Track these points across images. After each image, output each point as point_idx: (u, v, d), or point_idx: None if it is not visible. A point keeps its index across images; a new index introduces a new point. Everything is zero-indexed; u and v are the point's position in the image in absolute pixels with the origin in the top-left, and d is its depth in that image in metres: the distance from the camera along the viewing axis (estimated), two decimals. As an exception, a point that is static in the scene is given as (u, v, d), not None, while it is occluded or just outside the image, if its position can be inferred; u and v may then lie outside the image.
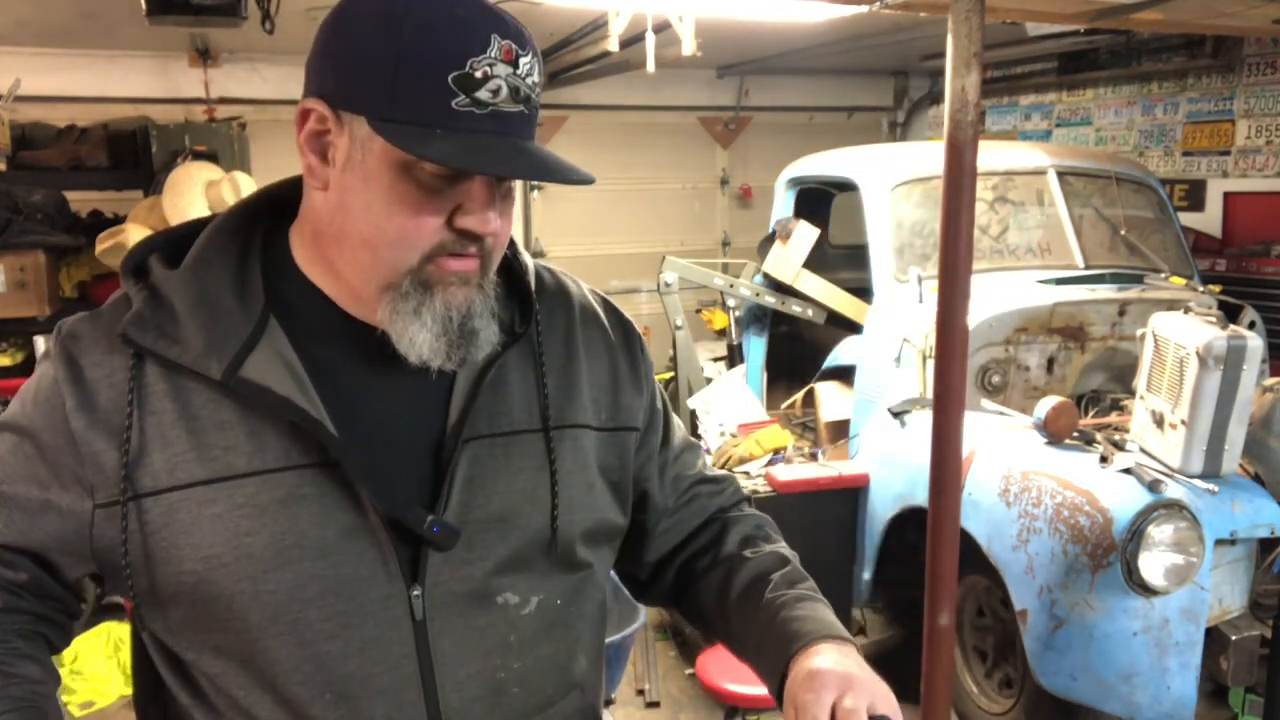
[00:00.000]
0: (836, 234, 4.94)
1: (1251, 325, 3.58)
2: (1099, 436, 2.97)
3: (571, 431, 1.05)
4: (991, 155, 3.79)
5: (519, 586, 1.00)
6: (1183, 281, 3.76)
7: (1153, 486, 2.62)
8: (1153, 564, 2.56)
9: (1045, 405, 2.93)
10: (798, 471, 3.55)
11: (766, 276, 4.45)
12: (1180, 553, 2.57)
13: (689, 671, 3.64)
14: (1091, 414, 3.39)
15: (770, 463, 3.72)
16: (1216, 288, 4.09)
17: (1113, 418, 3.29)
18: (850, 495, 3.53)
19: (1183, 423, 2.71)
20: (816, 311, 4.32)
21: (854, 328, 3.95)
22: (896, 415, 3.42)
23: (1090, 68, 5.81)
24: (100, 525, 0.92)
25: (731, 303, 4.68)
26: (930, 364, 3.03)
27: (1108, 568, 2.59)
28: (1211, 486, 2.67)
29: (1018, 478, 2.85)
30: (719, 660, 2.87)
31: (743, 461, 3.75)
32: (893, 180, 3.82)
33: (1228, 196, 5.15)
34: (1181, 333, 2.75)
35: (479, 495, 0.98)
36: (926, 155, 3.92)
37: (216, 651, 0.94)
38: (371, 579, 0.94)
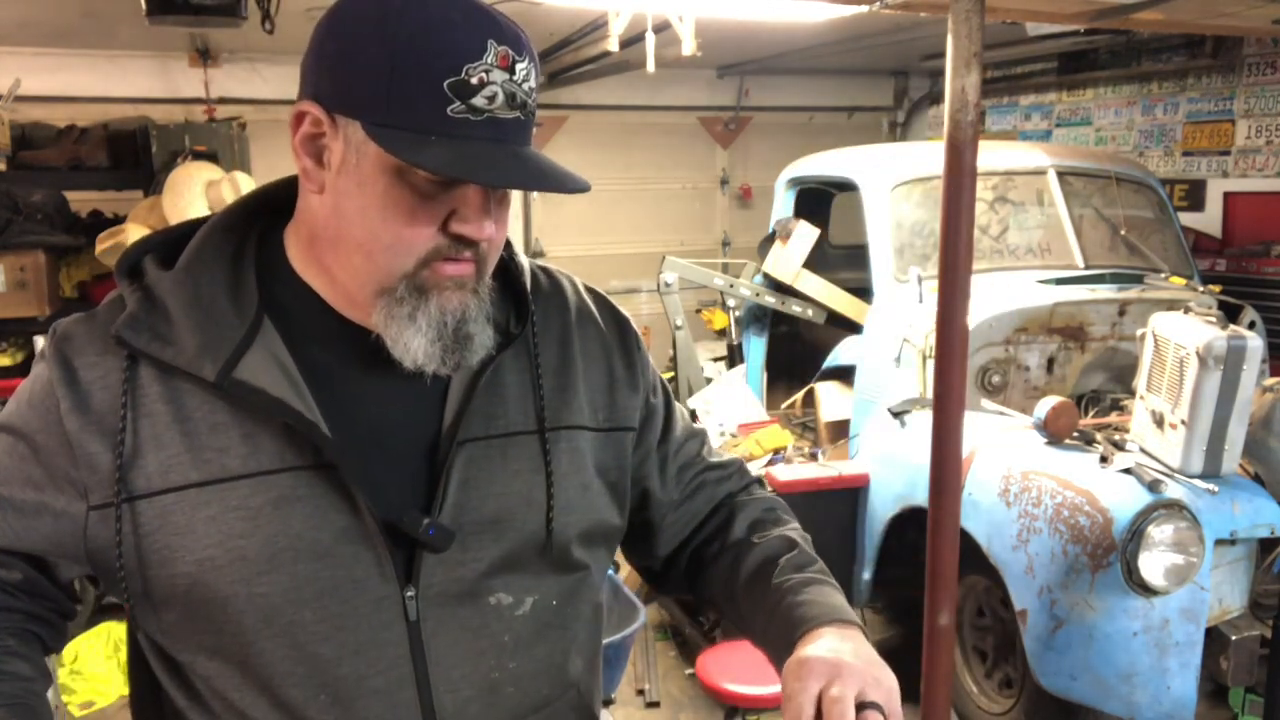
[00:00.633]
0: (836, 234, 4.94)
1: (1251, 325, 3.59)
2: (1099, 436, 2.97)
3: (568, 433, 1.04)
4: (991, 155, 3.79)
5: (513, 587, 1.00)
6: (1183, 281, 3.76)
7: (1153, 486, 2.62)
8: (1153, 564, 2.56)
9: (1045, 405, 2.93)
10: (798, 471, 3.55)
11: (766, 276, 4.45)
12: (1180, 553, 2.57)
13: (689, 671, 3.64)
14: (1091, 414, 3.39)
15: (770, 463, 3.72)
16: (1216, 288, 4.10)
17: (1113, 418, 3.29)
18: (850, 495, 3.53)
19: (1183, 423, 2.71)
20: (816, 311, 4.32)
21: (854, 328, 3.95)
22: (896, 415, 3.42)
23: (1090, 68, 5.81)
24: (94, 527, 0.92)
25: (731, 303, 4.69)
26: (930, 364, 3.03)
27: (1108, 568, 2.59)
28: (1211, 486, 2.67)
29: (1018, 478, 2.85)
30: (719, 660, 2.87)
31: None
32: (893, 180, 3.82)
33: (1228, 196, 5.15)
34: (1181, 333, 2.75)
35: (474, 497, 0.97)
36: (926, 155, 3.92)
37: (211, 653, 0.94)
38: (366, 581, 0.93)
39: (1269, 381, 2.95)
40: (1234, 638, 2.68)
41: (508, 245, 1.05)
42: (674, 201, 7.04)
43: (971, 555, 2.83)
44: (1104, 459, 2.79)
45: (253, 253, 0.99)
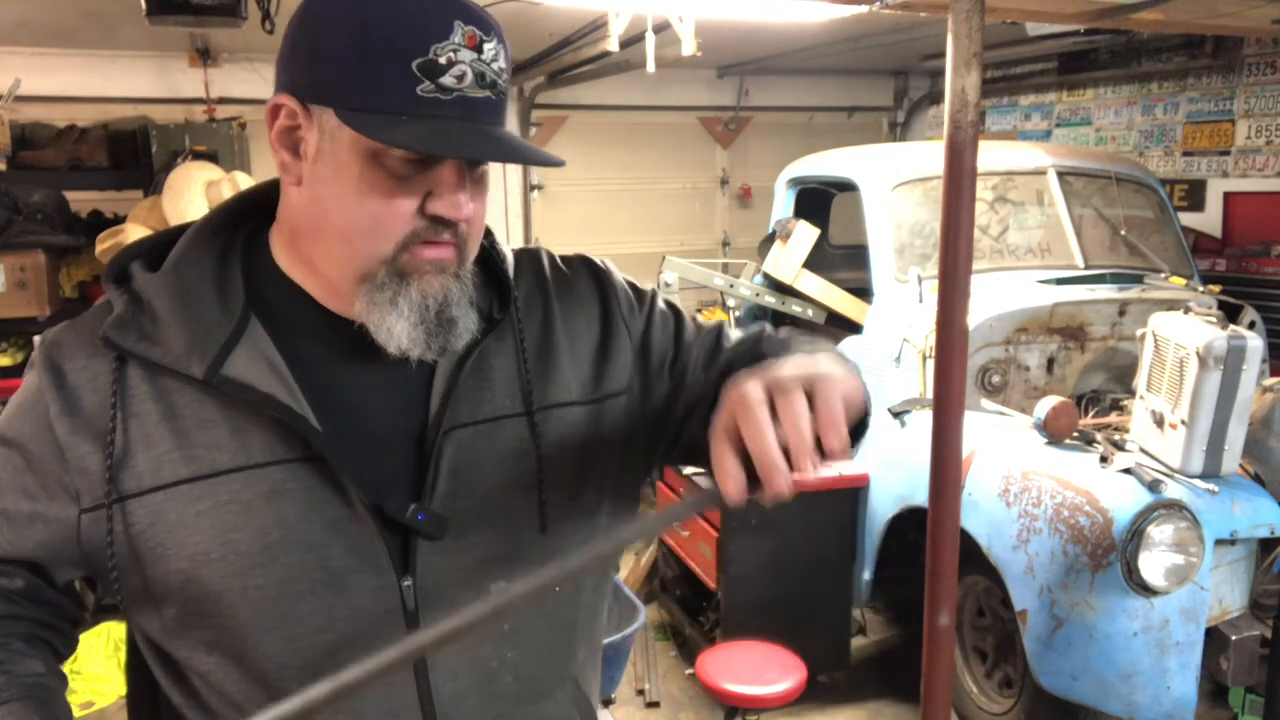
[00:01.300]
0: (836, 234, 4.94)
1: (1251, 325, 3.58)
2: (1099, 436, 2.97)
3: (556, 411, 1.04)
4: (991, 155, 3.79)
5: (512, 575, 0.99)
6: (1183, 281, 3.76)
7: (1153, 486, 2.62)
8: (1153, 564, 2.56)
9: (1045, 405, 2.93)
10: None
11: (766, 276, 4.45)
12: (1180, 553, 2.57)
13: (689, 671, 3.64)
14: (1091, 414, 3.39)
15: (770, 463, 3.71)
16: (1216, 288, 4.09)
17: (1113, 418, 3.29)
18: (850, 495, 3.53)
19: (1183, 423, 2.71)
20: (816, 311, 4.32)
21: (854, 328, 3.95)
22: (896, 415, 3.42)
23: (1090, 68, 5.81)
24: (86, 530, 0.93)
25: (731, 303, 4.68)
26: (930, 364, 3.03)
27: (1108, 568, 2.59)
28: (1211, 486, 2.67)
29: (1018, 478, 2.85)
30: (719, 660, 2.87)
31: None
32: (893, 180, 3.82)
33: (1228, 196, 5.15)
34: (1181, 333, 2.75)
35: (465, 484, 0.98)
36: (926, 155, 3.92)
37: (208, 649, 0.94)
38: (361, 571, 0.94)
39: (1269, 381, 2.95)
40: (1234, 638, 2.68)
41: (489, 234, 1.06)
42: (674, 201, 7.04)
43: (971, 555, 2.83)
44: (1104, 459, 2.79)
45: (239, 253, 0.99)
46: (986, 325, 3.34)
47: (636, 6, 3.50)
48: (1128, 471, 2.70)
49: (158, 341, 0.93)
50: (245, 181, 3.92)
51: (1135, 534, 2.55)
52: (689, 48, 3.65)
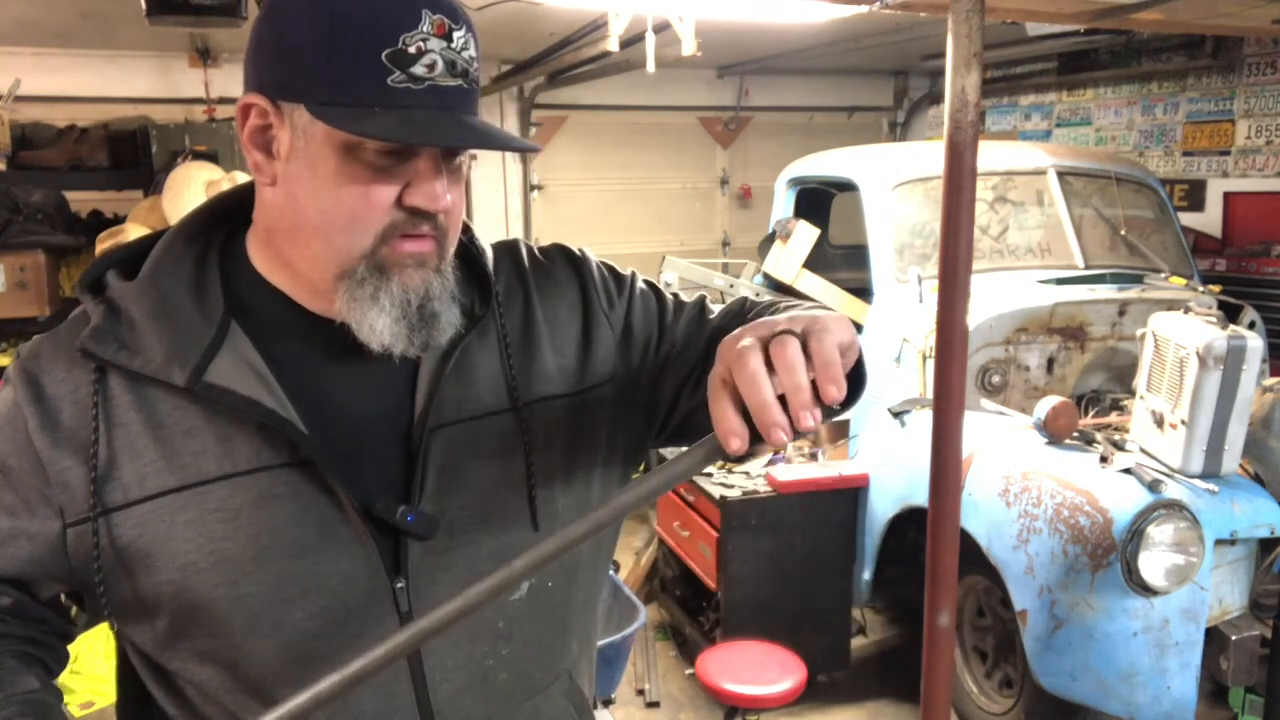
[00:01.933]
0: (836, 234, 4.94)
1: (1251, 325, 3.58)
2: (1099, 436, 2.97)
3: (542, 405, 1.03)
4: (991, 155, 3.79)
5: None
6: (1183, 281, 3.76)
7: (1153, 486, 2.62)
8: (1153, 564, 2.56)
9: (1045, 405, 2.93)
10: (798, 471, 3.55)
11: (766, 276, 4.45)
12: (1180, 553, 2.57)
13: (689, 671, 3.64)
14: (1091, 414, 3.39)
15: (770, 463, 3.72)
16: (1216, 288, 4.09)
17: (1113, 418, 3.29)
18: (850, 495, 3.53)
19: (1183, 423, 2.71)
20: (816, 311, 4.32)
21: (854, 328, 3.95)
22: (896, 415, 3.42)
23: (1090, 68, 5.81)
24: (72, 544, 0.91)
25: (731, 303, 4.68)
26: (930, 364, 3.03)
27: (1108, 568, 2.59)
28: (1211, 486, 2.67)
29: (1018, 478, 2.85)
30: (719, 660, 2.87)
31: (742, 461, 3.75)
32: (893, 180, 3.82)
33: (1228, 196, 5.15)
34: (1181, 333, 2.75)
35: (454, 482, 0.97)
36: (926, 155, 3.92)
37: (201, 659, 0.93)
38: (354, 574, 0.93)
39: (1269, 381, 2.95)
40: (1234, 638, 2.68)
41: (467, 229, 1.05)
42: (674, 201, 7.04)
43: (971, 555, 2.83)
44: (1104, 459, 2.79)
45: (216, 258, 0.98)
46: (986, 325, 3.34)
47: (636, 6, 3.50)
48: (1128, 471, 2.70)
49: (138, 351, 0.92)
50: (245, 181, 3.92)
51: (1135, 534, 2.55)
52: (689, 48, 3.64)
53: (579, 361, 1.08)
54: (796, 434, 0.76)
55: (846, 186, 4.15)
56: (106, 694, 3.54)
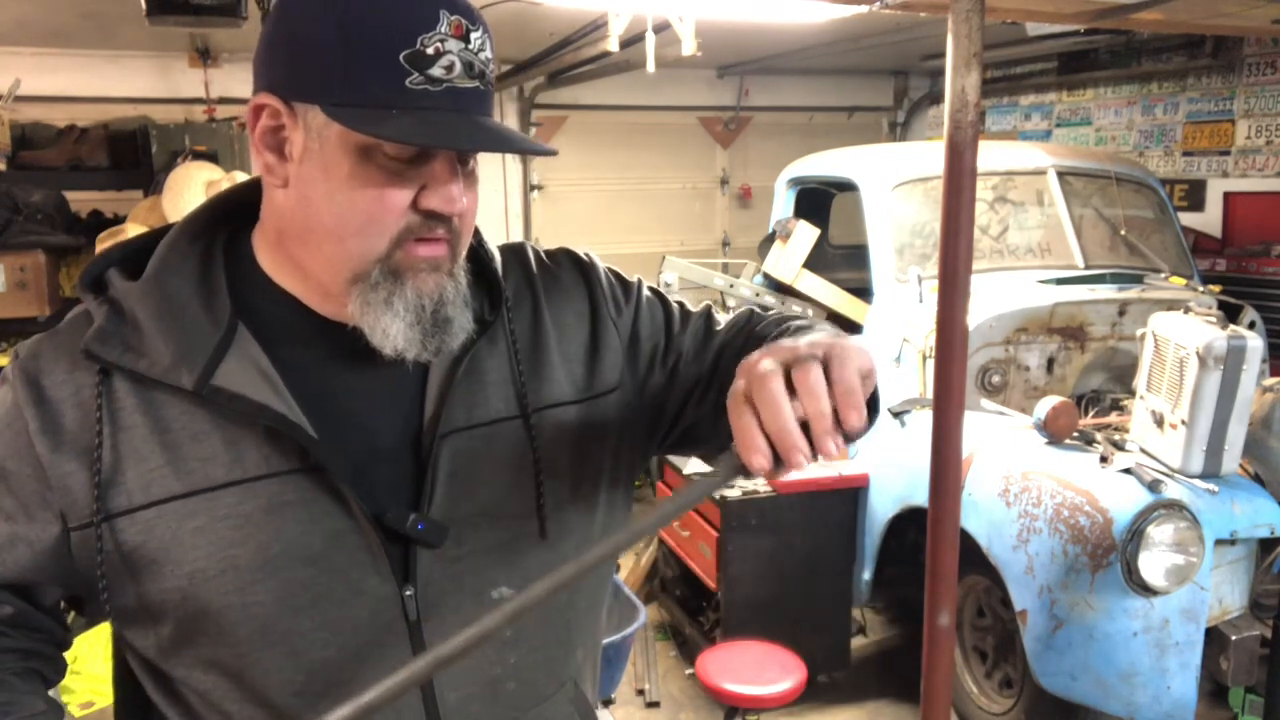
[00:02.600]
0: (836, 234, 4.94)
1: (1251, 325, 3.58)
2: (1099, 436, 2.97)
3: (551, 412, 1.02)
4: (991, 155, 3.79)
5: (514, 580, 0.98)
6: (1183, 281, 3.76)
7: (1153, 486, 2.62)
8: (1153, 564, 2.56)
9: (1045, 405, 2.93)
10: (797, 471, 3.55)
11: (766, 276, 4.45)
12: (1180, 553, 2.57)
13: (689, 671, 3.64)
14: (1091, 414, 3.39)
15: (770, 463, 3.71)
16: (1216, 288, 4.09)
17: (1113, 418, 3.29)
18: (850, 495, 3.53)
19: (1183, 423, 2.71)
20: (816, 311, 4.32)
21: (854, 328, 3.95)
22: (896, 415, 3.42)
23: (1090, 68, 5.81)
24: (75, 549, 0.90)
25: (731, 303, 4.68)
26: (930, 364, 3.03)
27: (1108, 568, 2.59)
28: (1211, 486, 2.67)
29: (1018, 478, 2.85)
30: (719, 660, 2.87)
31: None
32: (893, 180, 3.82)
33: (1228, 196, 5.15)
34: (1181, 333, 2.75)
35: (463, 489, 0.96)
36: (926, 155, 3.92)
37: (207, 667, 0.92)
38: (362, 582, 0.92)
39: (1269, 381, 2.95)
40: (1234, 638, 2.68)
41: (476, 232, 1.04)
42: (674, 201, 7.04)
43: (971, 555, 2.83)
44: (1104, 459, 2.79)
45: (220, 258, 0.97)
46: (986, 325, 3.34)
47: (636, 6, 3.50)
48: (1128, 471, 2.70)
49: (143, 353, 0.90)
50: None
51: (1135, 534, 2.55)
52: (689, 48, 3.64)
53: (586, 368, 1.07)
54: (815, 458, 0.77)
55: (846, 186, 4.15)
56: (106, 694, 3.53)
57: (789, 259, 4.28)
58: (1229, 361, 2.63)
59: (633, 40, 4.04)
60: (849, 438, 0.79)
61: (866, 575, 3.54)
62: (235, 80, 5.54)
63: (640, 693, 3.60)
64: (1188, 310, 2.85)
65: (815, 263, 4.31)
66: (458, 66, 0.86)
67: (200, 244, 0.97)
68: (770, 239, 4.43)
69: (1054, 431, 2.91)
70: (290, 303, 0.96)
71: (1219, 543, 2.66)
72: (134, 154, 4.61)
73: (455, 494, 0.95)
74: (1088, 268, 3.73)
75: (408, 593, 0.93)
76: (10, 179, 4.21)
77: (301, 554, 0.90)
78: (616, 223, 6.82)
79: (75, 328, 0.93)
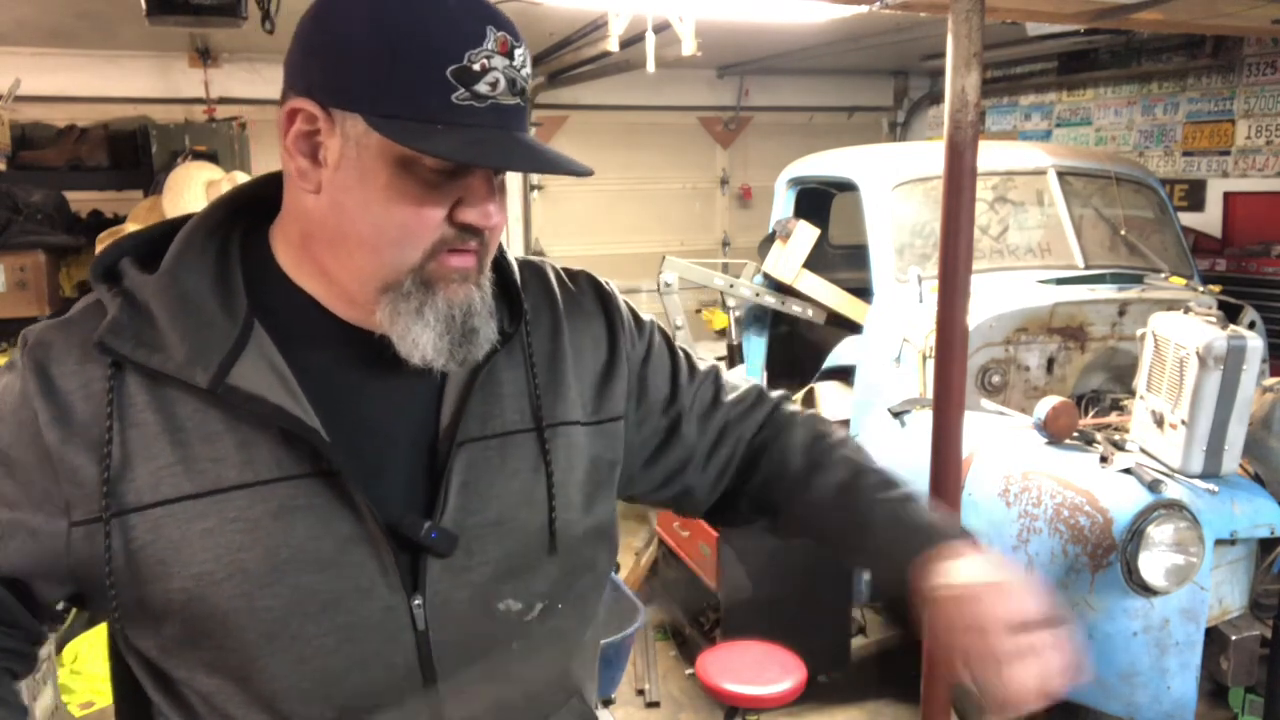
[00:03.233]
0: (836, 234, 4.93)
1: (1251, 325, 3.58)
2: (1099, 436, 2.96)
3: (564, 429, 1.03)
4: (991, 155, 3.78)
5: (521, 592, 0.98)
6: (1183, 281, 3.76)
7: (1153, 486, 2.62)
8: (1153, 564, 2.56)
9: (1045, 405, 2.92)
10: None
11: (766, 276, 4.45)
12: (1180, 553, 2.56)
13: (689, 671, 3.64)
14: (1091, 414, 3.39)
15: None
16: (1216, 288, 4.09)
17: (1113, 418, 3.29)
18: (850, 495, 3.52)
19: (1183, 423, 2.71)
20: (816, 311, 4.32)
21: (854, 328, 3.95)
22: (896, 415, 3.41)
23: (1090, 68, 5.81)
24: (79, 544, 0.88)
25: (731, 303, 4.68)
26: (930, 364, 3.03)
27: (1108, 568, 2.59)
28: (1211, 486, 2.67)
29: (1018, 478, 2.85)
30: (719, 660, 2.87)
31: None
32: (893, 180, 3.82)
33: (1228, 196, 5.15)
34: (1181, 333, 2.75)
35: (475, 499, 0.95)
36: (926, 155, 3.92)
37: (211, 669, 0.91)
38: (372, 590, 0.91)
39: (1269, 381, 2.95)
40: (1234, 638, 2.67)
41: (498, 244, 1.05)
42: (674, 201, 7.04)
43: (971, 555, 2.83)
44: (1104, 459, 2.79)
45: (237, 254, 0.96)
46: (986, 325, 3.34)
47: (636, 6, 3.50)
48: (1128, 471, 2.70)
49: (158, 348, 0.88)
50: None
51: (1135, 534, 2.55)
52: (689, 48, 3.64)
53: (597, 392, 1.08)
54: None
55: (846, 186, 4.15)
56: (106, 694, 3.52)
57: (789, 259, 4.28)
58: (1229, 361, 2.63)
59: (633, 40, 4.04)
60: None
61: (866, 575, 3.53)
62: (235, 80, 5.54)
63: (640, 693, 3.60)
64: (1188, 310, 2.85)
65: (815, 263, 4.31)
66: (502, 83, 0.85)
67: (217, 239, 0.96)
68: (770, 239, 4.43)
69: (1054, 431, 2.91)
70: (309, 304, 0.95)
71: (1219, 543, 2.66)
72: (134, 154, 4.61)
73: (467, 504, 0.95)
74: (1088, 268, 3.73)
75: (416, 602, 0.93)
76: (10, 179, 4.21)
77: (311, 559, 0.89)
78: (616, 223, 6.82)
79: (87, 318, 0.92)
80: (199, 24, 2.84)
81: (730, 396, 1.18)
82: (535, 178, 6.60)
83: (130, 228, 3.84)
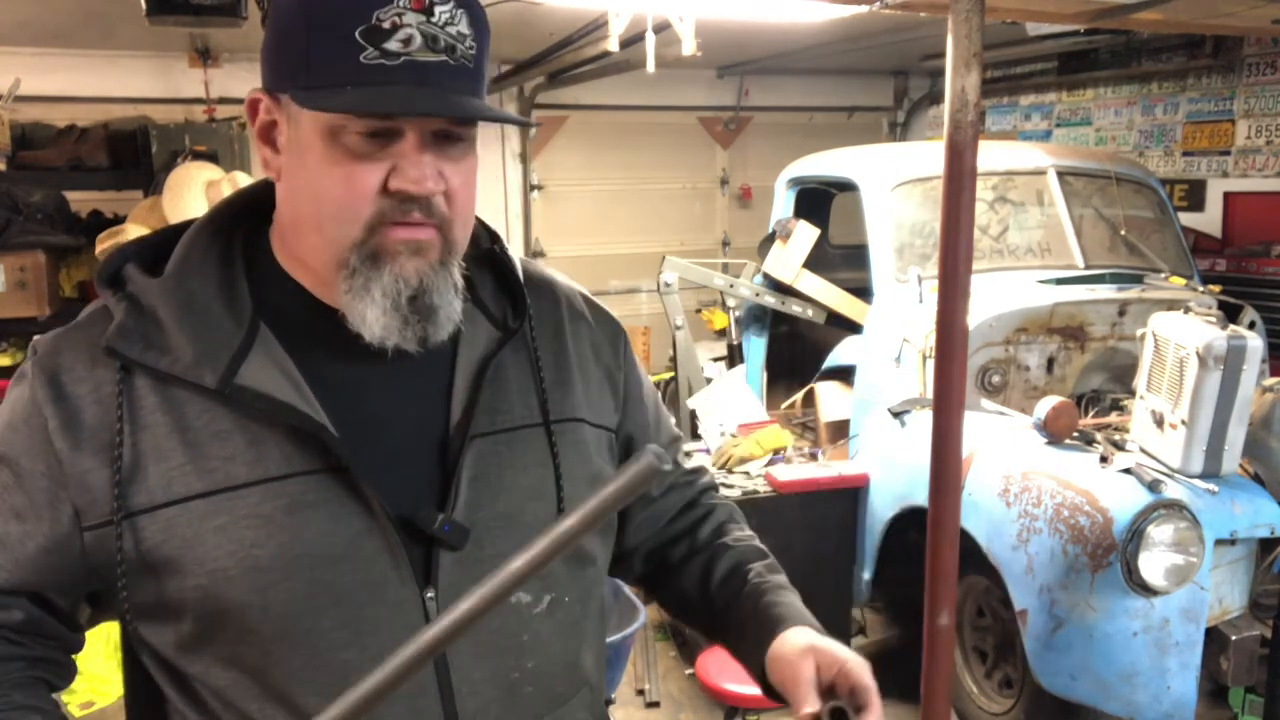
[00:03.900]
0: (836, 234, 4.94)
1: (1251, 325, 3.58)
2: (1099, 436, 2.96)
3: (571, 425, 1.04)
4: (991, 155, 3.79)
5: (532, 585, 0.98)
6: (1183, 281, 3.76)
7: (1153, 486, 2.62)
8: (1153, 564, 2.56)
9: (1045, 405, 2.92)
10: (798, 471, 3.55)
11: (766, 276, 4.45)
12: (1180, 553, 2.57)
13: (689, 671, 3.64)
14: (1091, 414, 3.39)
15: (770, 463, 3.72)
16: (1216, 288, 4.09)
17: (1113, 418, 3.29)
18: (850, 495, 3.53)
19: (1183, 423, 2.71)
20: (816, 311, 4.32)
21: (854, 328, 3.95)
22: (896, 415, 3.41)
23: (1090, 68, 5.81)
24: (91, 547, 0.89)
25: (731, 303, 4.68)
26: (930, 364, 3.03)
27: (1108, 568, 2.59)
28: (1211, 486, 2.67)
29: (1018, 478, 2.85)
30: (719, 660, 2.87)
31: (743, 461, 3.74)
32: (893, 180, 3.82)
33: (1228, 196, 5.15)
34: (1181, 333, 2.75)
35: (486, 493, 0.96)
36: (926, 155, 3.92)
37: (226, 664, 0.91)
38: (384, 584, 0.92)
39: (1269, 381, 2.95)
40: (1234, 638, 2.68)
41: (497, 239, 1.05)
42: (674, 201, 7.04)
43: (971, 555, 2.83)
44: (1104, 459, 2.79)
45: (240, 255, 0.97)
46: (986, 325, 3.34)
47: (636, 6, 3.50)
48: (1128, 471, 2.70)
49: (166, 351, 0.90)
50: (245, 181, 3.91)
51: (1135, 534, 2.55)
52: (689, 48, 3.64)
53: (598, 398, 1.09)
54: None
55: (846, 186, 4.15)
56: (106, 694, 3.53)
57: (789, 259, 4.28)
58: (1229, 361, 2.63)
59: (633, 40, 4.04)
60: None
61: (866, 575, 3.54)
62: (235, 80, 5.54)
63: (640, 693, 3.60)
64: (1188, 310, 2.85)
65: (815, 263, 4.32)
66: (417, 39, 0.85)
67: (220, 241, 0.97)
68: (770, 239, 4.43)
69: (1054, 431, 2.91)
70: (310, 301, 0.96)
71: (1219, 543, 2.66)
72: (134, 154, 4.60)
73: (477, 497, 0.96)
74: (1088, 268, 3.73)
75: (429, 595, 0.93)
76: (10, 179, 4.21)
77: (323, 554, 0.90)
78: (616, 223, 6.82)
79: (94, 323, 0.93)
80: (199, 24, 2.84)
81: (687, 464, 1.24)
82: (535, 177, 6.60)
83: (130, 227, 3.84)
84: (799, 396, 4.31)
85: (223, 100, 5.42)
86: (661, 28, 3.80)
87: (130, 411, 0.89)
